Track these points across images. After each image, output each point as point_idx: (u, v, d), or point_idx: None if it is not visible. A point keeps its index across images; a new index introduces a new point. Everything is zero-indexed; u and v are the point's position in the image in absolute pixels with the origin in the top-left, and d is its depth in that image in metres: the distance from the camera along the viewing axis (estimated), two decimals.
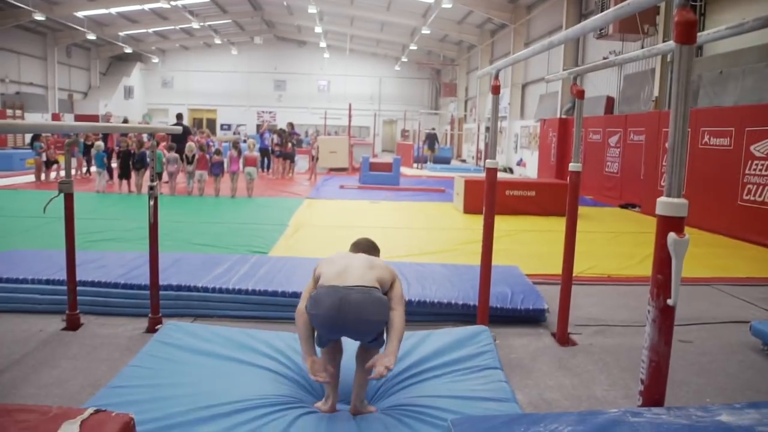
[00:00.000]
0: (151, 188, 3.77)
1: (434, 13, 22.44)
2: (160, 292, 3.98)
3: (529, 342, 3.98)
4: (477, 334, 3.14)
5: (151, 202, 3.73)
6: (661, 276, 1.62)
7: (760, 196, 8.10)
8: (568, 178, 3.78)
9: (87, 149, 14.11)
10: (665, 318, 1.63)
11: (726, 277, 5.97)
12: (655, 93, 12.08)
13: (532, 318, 4.29)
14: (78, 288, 3.94)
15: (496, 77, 3.65)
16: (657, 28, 11.94)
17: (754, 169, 8.21)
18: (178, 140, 12.48)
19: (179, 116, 14.85)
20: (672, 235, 1.57)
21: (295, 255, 5.90)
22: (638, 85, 13.41)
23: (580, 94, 3.59)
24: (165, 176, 11.85)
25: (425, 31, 25.20)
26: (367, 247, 2.75)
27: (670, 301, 1.61)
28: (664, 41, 11.46)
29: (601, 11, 14.60)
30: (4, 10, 23.79)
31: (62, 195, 3.72)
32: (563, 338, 3.96)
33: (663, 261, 1.62)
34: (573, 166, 3.75)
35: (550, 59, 18.89)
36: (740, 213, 8.46)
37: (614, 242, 7.87)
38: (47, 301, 4.18)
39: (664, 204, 1.61)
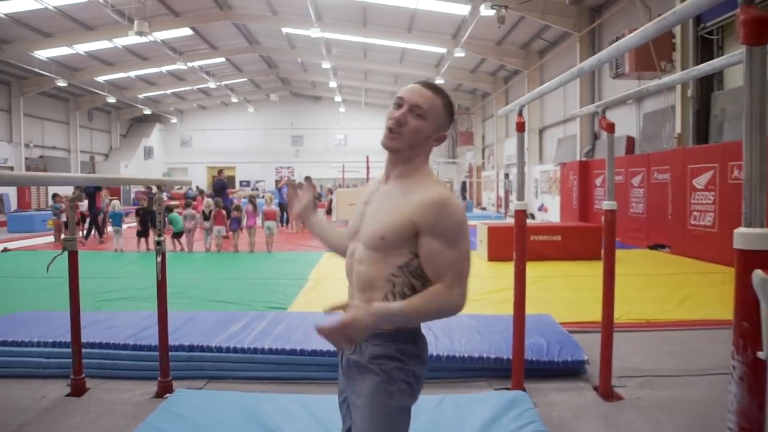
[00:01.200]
0: (158, 244, 3.57)
1: (447, 63, 22.60)
2: (172, 353, 3.73)
3: (570, 397, 3.64)
4: (515, 401, 2.83)
5: (159, 259, 3.53)
6: (746, 323, 1.34)
7: None
8: (604, 217, 3.50)
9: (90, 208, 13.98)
10: (756, 375, 1.33)
11: None
12: (678, 130, 11.82)
13: (571, 370, 3.95)
14: (85, 351, 3.71)
15: (520, 114, 3.44)
16: (674, 65, 11.77)
17: None
18: (218, 194, 13.27)
19: (220, 172, 14.93)
20: (759, 274, 1.30)
21: (315, 310, 5.64)
22: (659, 122, 13.18)
23: (610, 128, 3.36)
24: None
25: (439, 81, 25.33)
26: None
27: (761, 354, 1.31)
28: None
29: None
30: (29, 78, 24.52)
31: (66, 253, 3.52)
32: (607, 392, 3.62)
33: (748, 305, 1.34)
34: (608, 205, 3.46)
35: (567, 103, 18.80)
36: None
37: (648, 285, 7.49)
38: (53, 365, 3.95)
39: (745, 236, 1.34)
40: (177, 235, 11.93)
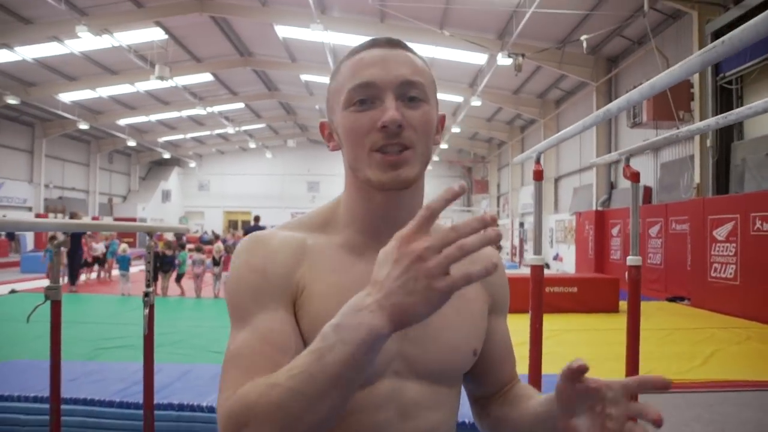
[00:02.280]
0: (146, 295, 3.36)
1: (464, 112, 22.66)
2: (159, 413, 3.50)
3: None
4: None
5: (146, 311, 3.32)
6: None
7: None
8: (627, 273, 3.25)
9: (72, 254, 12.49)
10: None
11: None
12: (696, 180, 11.58)
13: None
14: (67, 407, 3.49)
15: (538, 161, 3.24)
16: (692, 114, 11.61)
17: None
18: None
19: (257, 218, 14.35)
20: None
21: None
22: (677, 173, 12.95)
23: (635, 177, 3.14)
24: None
25: (455, 129, 25.41)
26: None
27: None
28: None
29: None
30: (52, 120, 25.00)
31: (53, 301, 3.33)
32: None
33: None
34: (632, 260, 3.21)
35: (582, 152, 18.66)
36: None
37: (669, 341, 7.14)
38: (32, 422, 3.69)
39: None
40: (179, 278, 11.79)
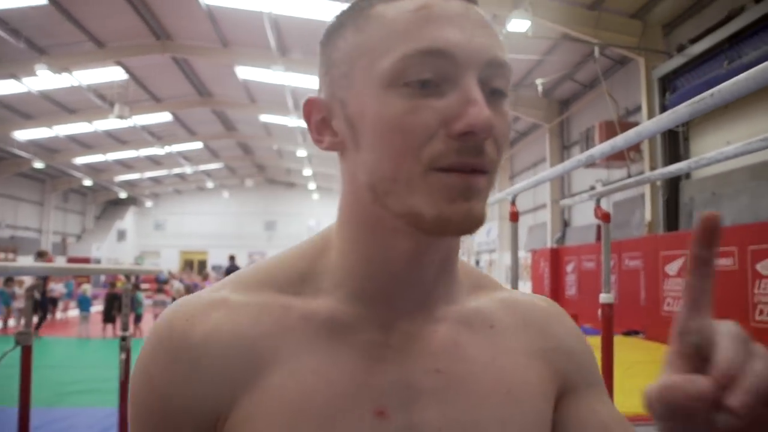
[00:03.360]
0: (123, 339, 3.35)
1: None
2: None
3: None
4: None
5: (123, 356, 3.30)
6: None
7: None
8: (600, 311, 3.38)
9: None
10: None
11: None
12: (648, 218, 12.05)
13: None
14: None
15: (513, 203, 3.40)
16: (642, 155, 12.15)
17: (764, 288, 7.91)
18: None
19: (232, 258, 14.02)
20: None
21: None
22: (628, 211, 13.44)
23: (606, 218, 3.32)
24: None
25: None
26: None
27: None
28: (650, 168, 11.62)
29: (585, 143, 15.03)
30: (6, 159, 24.39)
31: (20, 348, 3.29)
32: None
33: None
34: (605, 298, 3.34)
35: (536, 192, 19.19)
36: (756, 334, 8.00)
37: (629, 374, 7.32)
38: None
39: None
40: (137, 319, 11.56)
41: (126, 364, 3.39)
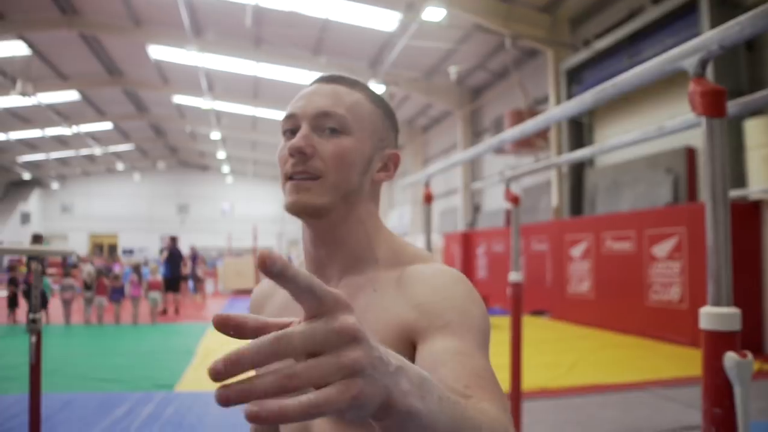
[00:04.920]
0: (33, 321, 3.22)
1: None
2: None
3: None
4: None
5: (33, 339, 3.18)
6: (719, 410, 1.23)
7: (665, 295, 8.37)
8: (509, 290, 3.58)
9: None
10: None
11: (656, 380, 5.94)
12: (554, 203, 12.66)
13: None
14: None
15: (427, 185, 3.54)
16: (549, 143, 12.72)
17: (658, 270, 8.54)
18: (173, 266, 12.23)
19: (173, 239, 13.18)
20: (732, 357, 1.21)
21: (203, 389, 5.33)
22: (536, 196, 14.07)
23: (515, 201, 3.50)
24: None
25: None
26: None
27: None
28: (557, 153, 12.19)
29: (495, 130, 15.55)
30: None
31: None
32: None
33: (720, 390, 1.22)
34: (514, 276, 3.55)
35: (448, 177, 19.69)
36: (649, 312, 8.69)
37: (537, 351, 7.75)
38: None
39: (713, 316, 1.24)
40: (44, 304, 10.99)
41: (37, 348, 3.26)
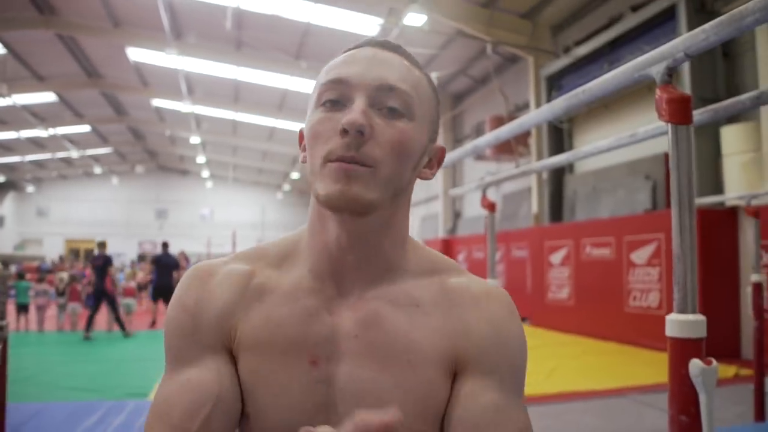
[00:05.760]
0: None
1: None
2: None
3: None
4: None
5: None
6: (685, 417, 1.22)
7: (644, 301, 8.42)
8: None
9: None
10: None
11: (636, 386, 5.97)
12: (534, 209, 12.70)
13: None
14: None
15: None
16: (530, 149, 12.78)
17: (637, 276, 8.59)
18: (163, 275, 11.16)
19: (165, 245, 12.61)
20: (697, 363, 1.20)
21: None
22: (516, 203, 14.12)
23: (491, 207, 3.48)
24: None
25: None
26: None
27: None
28: (538, 160, 12.24)
29: (476, 137, 15.58)
30: None
31: None
32: None
33: (686, 397, 1.22)
34: (491, 283, 3.48)
35: (428, 183, 19.64)
36: (629, 319, 8.73)
37: None
38: None
39: (678, 323, 1.23)
40: (22, 308, 10.72)
41: (3, 355, 3.18)
